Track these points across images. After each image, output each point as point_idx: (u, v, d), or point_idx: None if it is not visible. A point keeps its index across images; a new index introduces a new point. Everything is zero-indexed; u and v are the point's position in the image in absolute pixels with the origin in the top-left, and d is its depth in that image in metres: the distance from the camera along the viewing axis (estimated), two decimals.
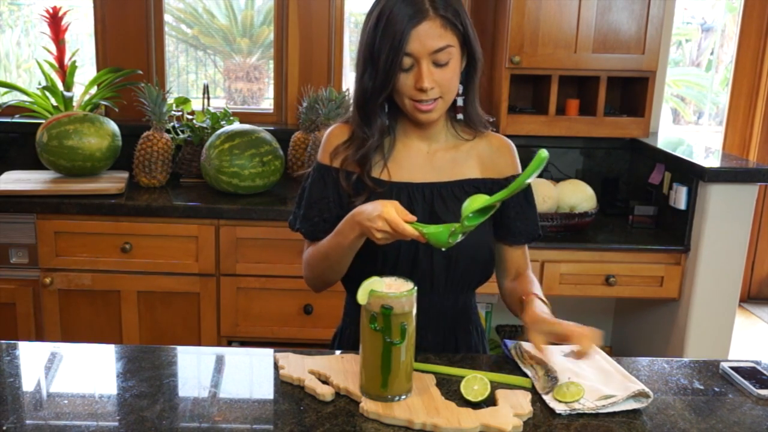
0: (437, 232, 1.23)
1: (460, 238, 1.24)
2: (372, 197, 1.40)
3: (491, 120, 1.51)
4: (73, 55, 2.93)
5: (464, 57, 1.39)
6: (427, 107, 1.35)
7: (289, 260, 2.56)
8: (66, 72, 2.89)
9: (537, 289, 1.47)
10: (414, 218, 1.25)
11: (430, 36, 1.31)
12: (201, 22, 4.39)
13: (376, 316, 1.18)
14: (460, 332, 1.51)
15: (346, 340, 1.56)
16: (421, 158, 1.46)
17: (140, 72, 2.99)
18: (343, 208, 1.44)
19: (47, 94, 2.85)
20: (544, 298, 1.42)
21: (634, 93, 2.87)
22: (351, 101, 2.99)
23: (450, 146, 1.47)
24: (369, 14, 1.36)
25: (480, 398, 1.22)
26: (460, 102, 1.44)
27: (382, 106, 1.39)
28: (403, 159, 1.45)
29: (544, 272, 2.56)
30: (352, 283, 1.52)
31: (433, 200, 1.42)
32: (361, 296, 1.19)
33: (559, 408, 1.22)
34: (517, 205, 1.48)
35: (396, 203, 1.27)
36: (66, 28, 2.91)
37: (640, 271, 2.57)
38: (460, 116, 1.45)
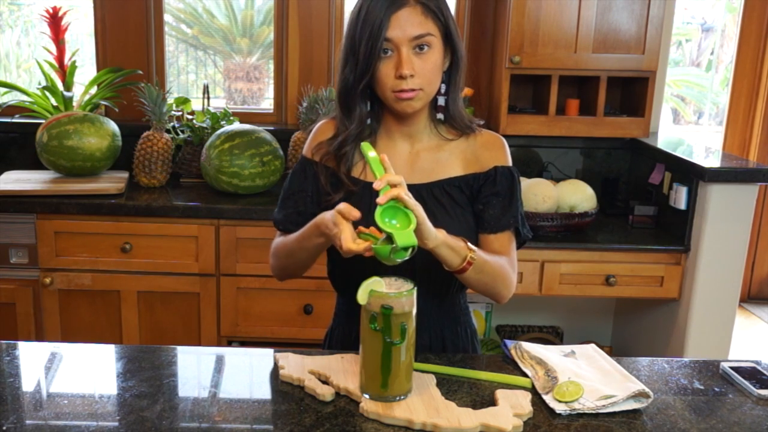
0: (382, 248, 1.20)
1: (406, 255, 1.21)
2: (349, 196, 1.41)
3: (480, 123, 1.49)
4: (73, 55, 2.93)
5: (447, 55, 1.39)
6: (407, 95, 1.34)
7: None
8: (66, 72, 2.89)
9: (485, 252, 1.38)
10: (366, 230, 1.23)
11: (410, 22, 1.32)
12: (201, 22, 4.39)
13: (376, 316, 1.18)
14: (448, 333, 1.51)
15: (335, 340, 1.56)
16: (403, 160, 1.45)
17: (140, 72, 2.99)
18: (320, 204, 1.44)
19: (47, 94, 2.85)
20: (466, 246, 1.32)
21: (634, 93, 2.87)
22: None
23: (433, 146, 1.46)
24: (353, 10, 1.37)
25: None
26: (441, 101, 1.43)
27: (363, 95, 1.39)
28: None
29: (544, 272, 2.56)
30: (341, 283, 1.52)
31: None
32: (361, 296, 1.19)
33: (559, 408, 1.22)
34: (488, 196, 1.43)
35: (351, 213, 1.24)
36: (66, 28, 2.91)
37: (640, 271, 2.57)
38: (440, 116, 1.44)
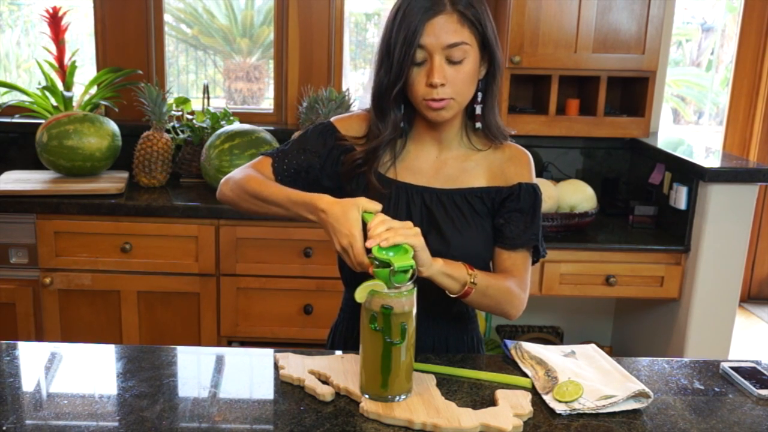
0: (381, 271, 1.19)
1: (406, 279, 1.20)
2: (373, 194, 1.40)
3: (512, 133, 1.47)
4: (73, 55, 2.93)
5: (484, 63, 1.37)
6: (437, 105, 1.32)
7: (289, 260, 2.56)
8: (66, 72, 2.89)
9: (487, 274, 1.37)
10: (379, 208, 1.23)
11: (444, 30, 1.30)
12: (201, 22, 4.39)
13: (376, 316, 1.18)
14: (452, 340, 1.50)
15: (340, 335, 1.56)
16: (429, 165, 1.44)
17: (140, 72, 2.99)
18: (320, 176, 1.43)
19: (47, 94, 2.85)
20: (467, 272, 1.32)
21: (634, 93, 2.87)
22: (352, 101, 3.00)
23: (461, 155, 1.44)
24: (390, 12, 1.35)
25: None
26: (478, 110, 1.41)
27: (396, 100, 1.37)
28: (411, 161, 1.44)
29: (544, 272, 2.56)
30: (350, 277, 1.51)
31: (432, 206, 1.41)
32: (360, 295, 1.19)
33: (559, 408, 1.22)
34: (510, 211, 1.42)
35: (374, 206, 1.25)
36: (66, 28, 2.91)
37: (640, 271, 2.57)
38: (478, 125, 1.41)
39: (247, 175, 1.42)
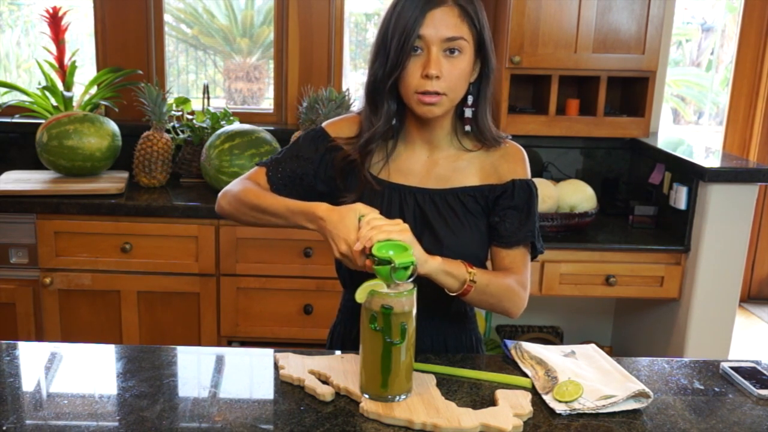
0: (382, 268, 1.18)
1: (406, 276, 1.19)
2: (365, 194, 1.40)
3: (508, 137, 1.46)
4: (73, 55, 2.93)
5: (477, 64, 1.37)
6: (430, 99, 1.32)
7: (289, 260, 2.56)
8: (66, 72, 2.89)
9: (486, 271, 1.37)
10: (375, 209, 1.24)
11: (444, 23, 1.30)
12: (201, 22, 4.39)
13: (376, 316, 1.18)
14: (451, 339, 1.50)
15: (337, 335, 1.56)
16: (420, 165, 1.44)
17: (140, 72, 2.99)
18: (314, 181, 1.44)
19: (47, 94, 2.85)
20: (466, 269, 1.31)
21: (634, 93, 2.87)
22: (352, 101, 2.99)
23: (452, 155, 1.44)
24: (390, 5, 1.35)
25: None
26: (469, 113, 1.40)
27: (391, 92, 1.36)
28: (402, 162, 1.44)
29: (544, 272, 2.56)
30: (347, 278, 1.51)
31: (425, 206, 1.41)
32: (360, 295, 1.19)
33: (559, 408, 1.22)
34: (505, 209, 1.41)
35: (360, 210, 1.25)
36: (66, 28, 2.91)
37: (640, 271, 2.57)
38: (467, 128, 1.41)
39: (244, 188, 1.42)
